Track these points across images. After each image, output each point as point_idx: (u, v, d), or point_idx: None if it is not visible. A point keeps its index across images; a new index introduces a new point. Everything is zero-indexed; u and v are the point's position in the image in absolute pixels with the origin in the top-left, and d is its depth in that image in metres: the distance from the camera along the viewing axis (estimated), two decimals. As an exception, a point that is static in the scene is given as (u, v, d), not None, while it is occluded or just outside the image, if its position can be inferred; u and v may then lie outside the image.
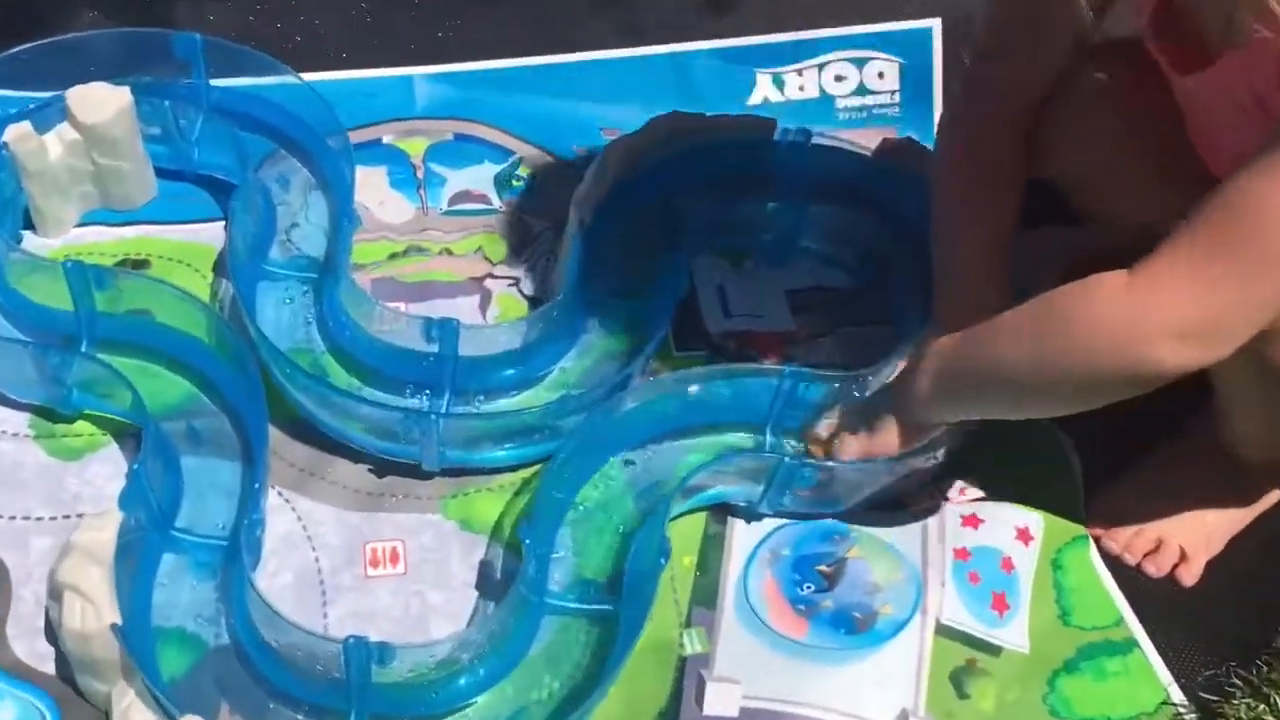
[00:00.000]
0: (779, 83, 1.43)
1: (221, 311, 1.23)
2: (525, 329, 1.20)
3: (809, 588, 1.12)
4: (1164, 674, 1.09)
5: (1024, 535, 1.14)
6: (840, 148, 1.30)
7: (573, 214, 1.24)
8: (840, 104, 1.43)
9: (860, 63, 1.44)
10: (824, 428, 1.14)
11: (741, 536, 1.14)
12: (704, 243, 1.30)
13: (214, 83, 1.32)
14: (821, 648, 1.08)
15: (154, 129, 1.30)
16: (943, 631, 1.09)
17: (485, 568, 1.12)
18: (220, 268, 1.28)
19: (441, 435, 1.13)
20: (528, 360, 1.21)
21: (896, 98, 1.43)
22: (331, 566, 1.12)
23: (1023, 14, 1.08)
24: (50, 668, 1.04)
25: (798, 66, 1.44)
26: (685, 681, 1.06)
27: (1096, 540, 1.15)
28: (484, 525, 1.15)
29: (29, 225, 1.29)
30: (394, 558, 1.13)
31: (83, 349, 1.18)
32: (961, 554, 1.13)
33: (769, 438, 1.18)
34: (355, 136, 1.33)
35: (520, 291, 1.30)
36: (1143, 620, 1.12)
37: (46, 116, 1.24)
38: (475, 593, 1.11)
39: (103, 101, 1.24)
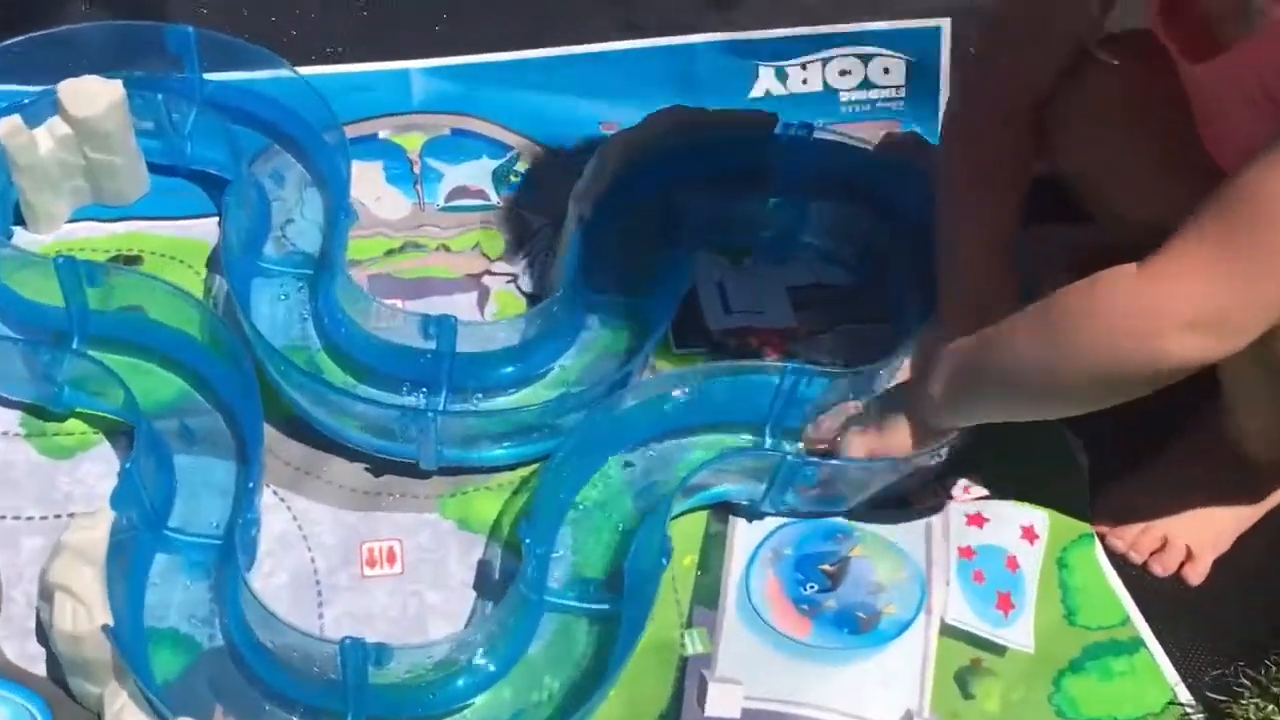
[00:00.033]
0: (781, 76, 1.42)
1: (215, 308, 1.22)
2: (524, 326, 1.19)
3: (812, 587, 1.10)
4: (1171, 674, 1.08)
5: (1029, 534, 1.13)
6: (843, 143, 1.29)
7: (571, 210, 1.22)
8: (844, 98, 1.42)
9: (866, 59, 1.43)
10: (826, 425, 1.13)
11: (743, 535, 1.13)
12: (704, 238, 1.29)
13: (207, 77, 1.31)
14: (825, 648, 1.07)
15: (147, 123, 1.28)
16: (947, 631, 1.08)
17: (484, 567, 1.11)
18: (214, 264, 1.27)
19: (439, 433, 1.11)
20: (527, 357, 1.20)
21: (902, 92, 1.42)
22: (328, 566, 1.10)
23: (1027, 9, 1.07)
24: (41, 669, 1.03)
25: (801, 60, 1.42)
26: (687, 682, 1.05)
27: (1102, 539, 1.15)
28: (482, 525, 1.14)
29: (19, 221, 1.28)
30: (391, 557, 1.11)
31: (74, 346, 1.16)
32: (966, 553, 1.12)
33: (769, 436, 1.17)
34: (351, 131, 1.32)
35: (518, 288, 1.29)
36: (1149, 619, 1.11)
37: (37, 110, 1.23)
38: (473, 593, 1.10)
39: (94, 95, 1.22)
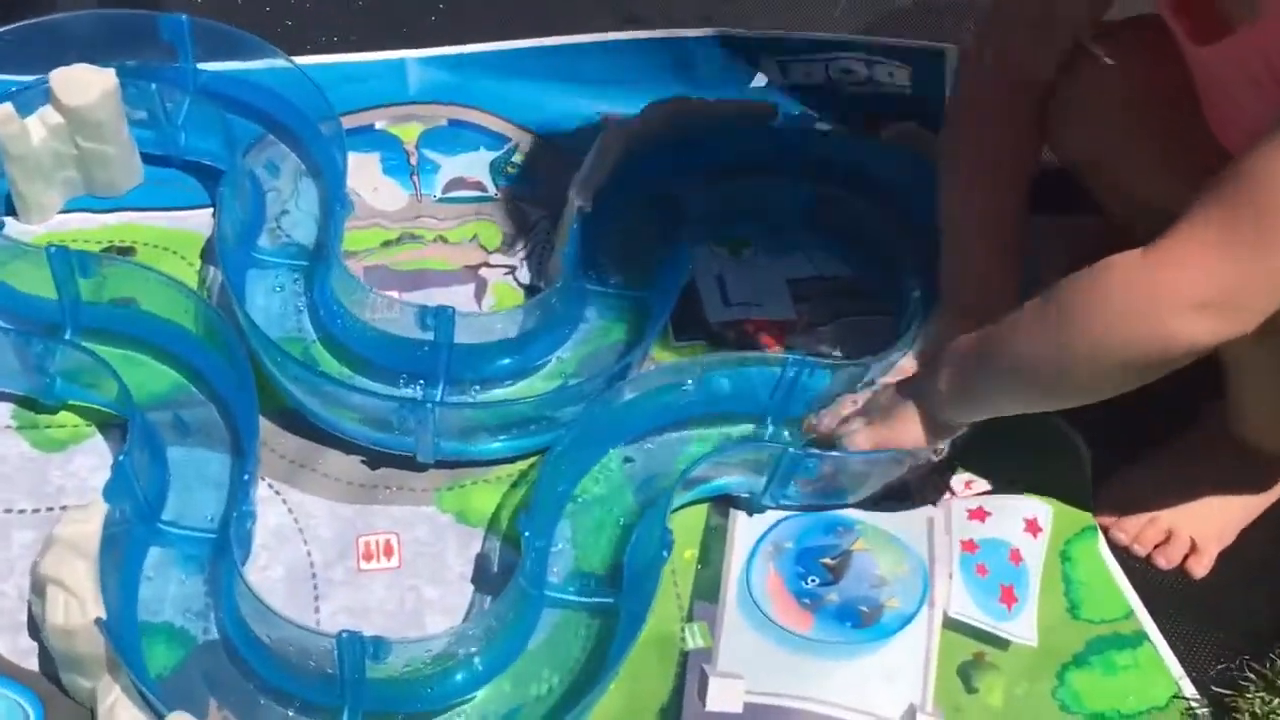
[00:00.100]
0: (783, 69, 1.41)
1: (209, 300, 1.20)
2: (522, 317, 1.18)
3: (813, 581, 1.09)
4: (1175, 667, 1.08)
5: (1032, 527, 1.13)
6: (844, 133, 1.29)
7: (570, 201, 1.21)
8: (846, 89, 1.41)
9: (870, 64, 1.42)
10: (827, 417, 1.12)
11: (744, 529, 1.12)
12: (704, 230, 1.28)
13: (201, 66, 1.30)
14: (827, 642, 1.06)
15: (140, 113, 1.27)
16: (950, 625, 1.07)
17: (482, 561, 1.10)
18: (208, 255, 1.25)
19: (437, 425, 1.10)
20: (525, 349, 1.19)
21: (906, 90, 1.41)
22: (324, 560, 1.09)
23: None
24: (34, 664, 1.02)
25: (805, 58, 1.41)
26: (687, 677, 1.04)
27: (1106, 531, 1.14)
28: (480, 518, 1.12)
29: (11, 211, 1.26)
30: (388, 551, 1.10)
31: (66, 337, 1.15)
32: (969, 546, 1.11)
33: (770, 427, 1.16)
34: (347, 122, 1.31)
35: (516, 280, 1.27)
36: (1153, 613, 1.10)
37: (29, 99, 1.21)
38: (471, 587, 1.09)
39: (87, 84, 1.21)
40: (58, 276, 1.14)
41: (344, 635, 0.95)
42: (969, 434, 1.10)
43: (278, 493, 1.12)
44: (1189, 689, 1.06)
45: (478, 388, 1.18)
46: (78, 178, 1.27)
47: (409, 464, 1.14)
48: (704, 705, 1.03)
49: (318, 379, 1.13)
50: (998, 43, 1.10)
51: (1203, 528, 1.12)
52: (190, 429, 1.13)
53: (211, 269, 1.24)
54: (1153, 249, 0.88)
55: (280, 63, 1.29)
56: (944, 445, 1.10)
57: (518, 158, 1.36)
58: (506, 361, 1.19)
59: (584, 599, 1.07)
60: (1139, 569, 1.13)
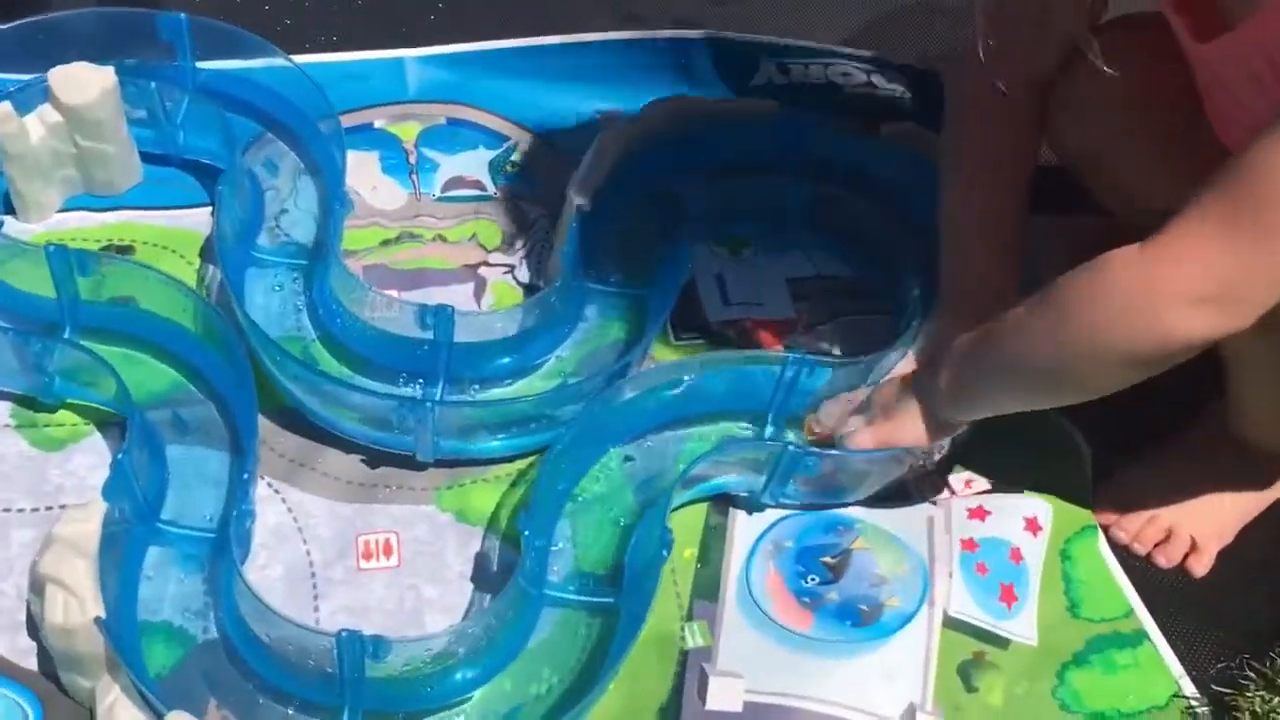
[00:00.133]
0: (783, 69, 1.41)
1: (208, 298, 1.20)
2: (522, 316, 1.18)
3: (813, 580, 1.09)
4: (1175, 666, 1.08)
5: (1032, 526, 1.12)
6: (843, 133, 1.28)
7: (569, 199, 1.21)
8: (846, 90, 1.41)
9: (869, 73, 1.42)
10: (828, 415, 1.12)
11: (743, 528, 1.12)
12: (703, 229, 1.28)
13: (200, 65, 1.30)
14: (827, 641, 1.06)
15: (139, 111, 1.27)
16: (950, 624, 1.07)
17: (481, 560, 1.10)
18: (206, 254, 1.25)
19: (436, 424, 1.10)
20: (524, 348, 1.19)
21: (905, 93, 1.41)
22: (323, 559, 1.09)
23: None
24: (32, 663, 1.01)
25: (804, 61, 1.41)
26: (687, 676, 1.04)
27: (1106, 530, 1.14)
28: (480, 517, 1.12)
29: (9, 210, 1.26)
30: (388, 550, 1.10)
31: (65, 336, 1.15)
32: (969, 545, 1.11)
33: (770, 426, 1.16)
34: (346, 120, 1.31)
35: (515, 279, 1.27)
36: (1153, 612, 1.10)
37: (28, 98, 1.21)
38: (471, 586, 1.09)
39: (86, 83, 1.21)
40: (56, 275, 1.13)
41: (343, 634, 0.95)
42: (969, 433, 1.10)
43: (277, 492, 1.12)
44: (1189, 688, 1.06)
45: (477, 386, 1.18)
46: (76, 176, 1.26)
47: (408, 463, 1.14)
48: (704, 704, 1.02)
49: (317, 378, 1.12)
50: (997, 41, 1.10)
51: (1203, 526, 1.12)
52: (189, 428, 1.13)
53: (210, 268, 1.23)
54: (1150, 244, 0.88)
55: (279, 61, 1.29)
56: (944, 444, 1.10)
57: (517, 156, 1.35)
58: (506, 360, 1.19)
59: (584, 598, 1.06)
60: (1139, 568, 1.13)
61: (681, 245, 1.25)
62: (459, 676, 1.01)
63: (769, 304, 1.27)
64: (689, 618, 1.07)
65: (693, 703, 1.03)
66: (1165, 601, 1.11)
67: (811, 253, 1.30)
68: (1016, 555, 1.11)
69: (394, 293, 1.22)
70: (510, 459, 1.15)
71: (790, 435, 1.15)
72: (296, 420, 1.15)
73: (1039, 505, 1.14)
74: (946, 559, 1.10)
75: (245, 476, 1.07)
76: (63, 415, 1.14)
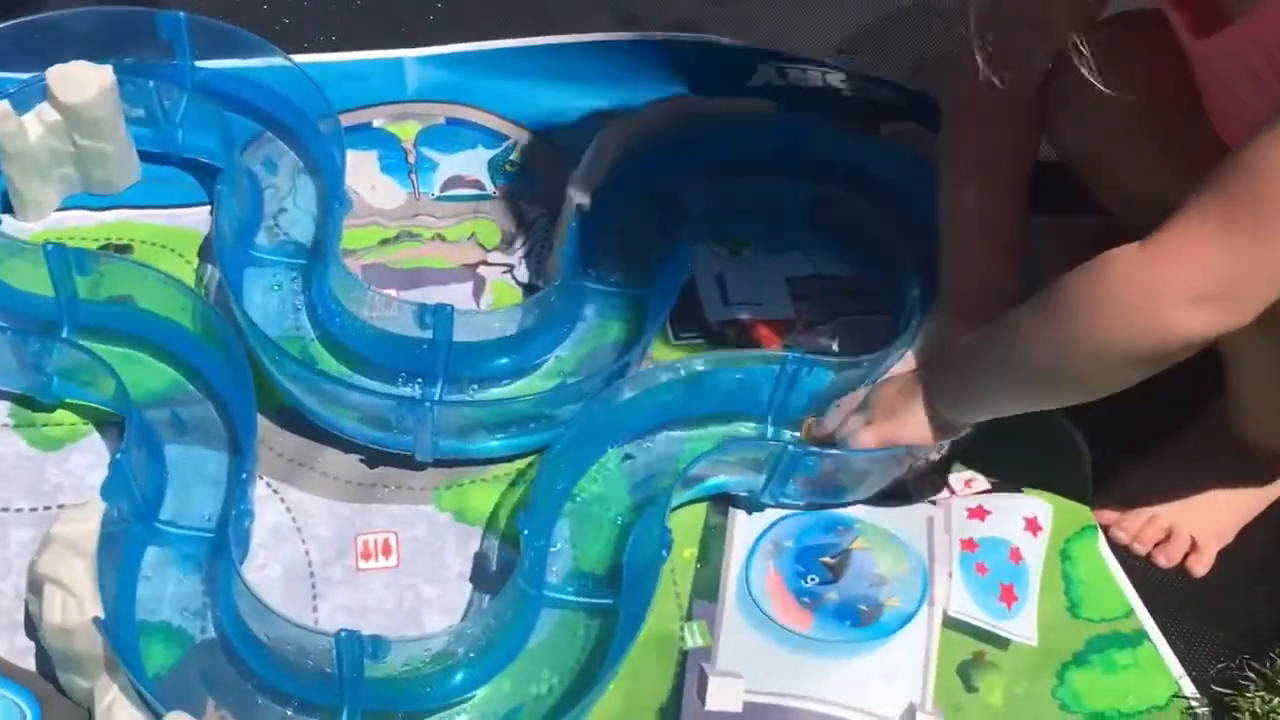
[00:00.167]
0: (781, 69, 1.41)
1: (207, 297, 1.20)
2: (521, 315, 1.18)
3: (813, 580, 1.09)
4: (1175, 666, 1.08)
5: (1032, 526, 1.12)
6: (843, 133, 1.28)
7: (569, 199, 1.21)
8: (844, 91, 1.41)
9: (865, 82, 1.42)
10: (831, 418, 1.12)
11: (743, 528, 1.12)
12: (703, 229, 1.28)
13: (199, 64, 1.30)
14: (826, 641, 1.05)
15: (137, 110, 1.27)
16: (950, 624, 1.07)
17: (480, 560, 1.10)
18: (205, 253, 1.25)
19: (435, 424, 1.10)
20: (523, 347, 1.19)
21: (903, 100, 1.41)
22: (322, 559, 1.09)
23: None
24: (30, 663, 1.01)
25: (802, 65, 1.41)
26: (687, 676, 1.04)
27: (1106, 530, 1.14)
28: (479, 517, 1.12)
29: (7, 209, 1.26)
30: (386, 550, 1.10)
31: (63, 335, 1.15)
32: (968, 545, 1.11)
33: (770, 426, 1.16)
34: (344, 120, 1.31)
35: (514, 278, 1.27)
36: (1153, 612, 1.10)
37: (26, 96, 1.21)
38: (470, 586, 1.08)
39: (85, 81, 1.21)
40: (55, 274, 1.13)
41: (343, 634, 0.95)
42: (969, 432, 1.10)
43: (276, 491, 1.12)
44: (1189, 688, 1.06)
45: (476, 386, 1.17)
46: (75, 175, 1.26)
47: (407, 463, 1.13)
48: (703, 704, 1.02)
49: (316, 377, 1.12)
50: (994, 37, 1.10)
51: (1203, 526, 1.12)
52: (188, 427, 1.13)
53: (209, 267, 1.23)
54: (1150, 242, 0.88)
55: (278, 60, 1.29)
56: (943, 443, 1.10)
57: (515, 156, 1.35)
58: (505, 360, 1.18)
59: (583, 599, 1.06)
60: (1139, 568, 1.13)
61: (681, 245, 1.25)
62: (458, 677, 1.01)
63: (769, 304, 1.26)
64: (688, 618, 1.07)
65: (692, 703, 1.03)
66: (1165, 601, 1.11)
67: (811, 252, 1.30)
68: (1016, 555, 1.11)
69: (393, 292, 1.22)
70: (509, 459, 1.15)
71: (790, 435, 1.15)
72: (295, 420, 1.14)
73: (1039, 505, 1.14)
74: (946, 559, 1.10)
75: (244, 476, 1.06)
76: (61, 415, 1.14)
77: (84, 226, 1.26)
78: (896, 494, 1.13)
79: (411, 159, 1.34)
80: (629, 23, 1.45)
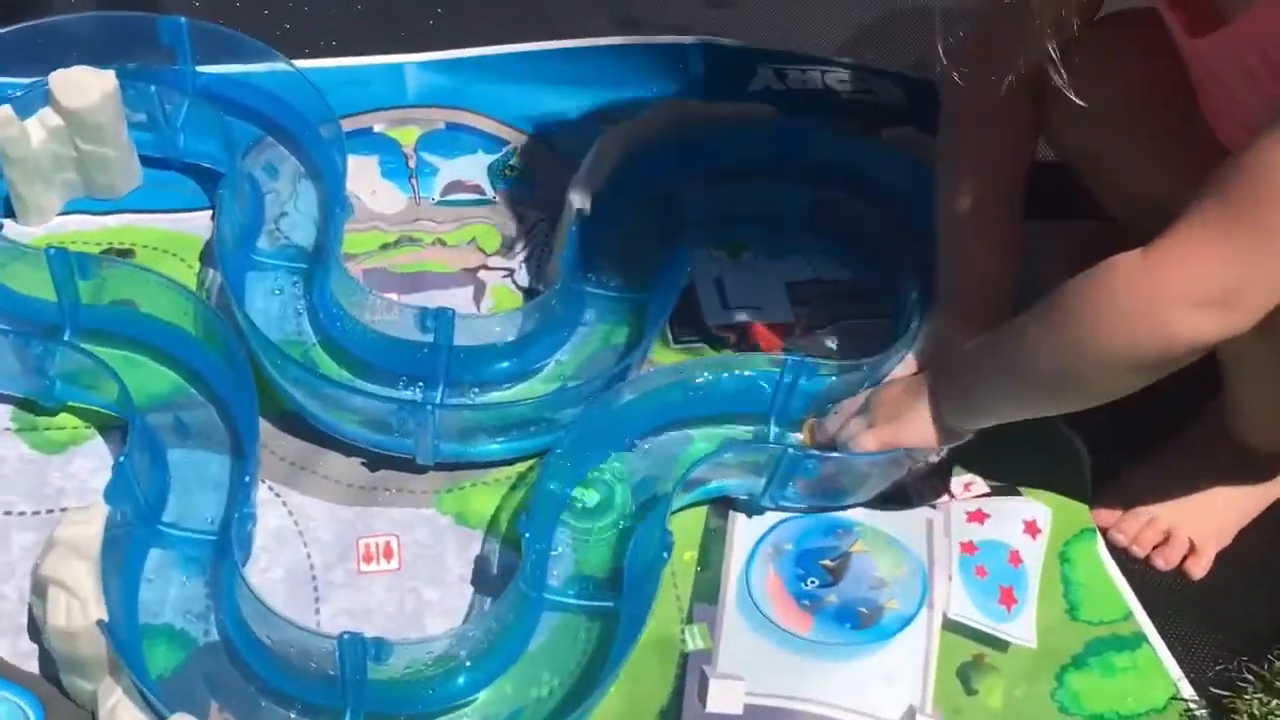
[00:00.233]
0: (780, 73, 1.42)
1: (209, 301, 1.20)
2: (521, 319, 1.18)
3: (813, 583, 1.10)
4: (1173, 669, 1.08)
5: (1031, 528, 1.13)
6: (842, 137, 1.29)
7: (569, 203, 1.22)
8: (844, 95, 1.41)
9: (865, 79, 1.43)
10: (829, 419, 1.12)
11: (743, 531, 1.12)
12: (703, 233, 1.28)
13: (201, 69, 1.30)
14: (826, 643, 1.06)
15: (139, 115, 1.27)
16: (950, 626, 1.07)
17: (481, 563, 1.10)
18: (206, 258, 1.25)
19: (436, 427, 1.10)
20: (524, 351, 1.19)
21: (902, 100, 1.41)
22: (324, 562, 1.09)
23: None
24: (34, 666, 1.01)
25: (801, 67, 1.42)
26: (688, 678, 1.04)
27: (1104, 533, 1.14)
28: (480, 520, 1.12)
29: (9, 213, 1.26)
30: (388, 553, 1.10)
31: (66, 339, 1.15)
32: (968, 548, 1.11)
33: (771, 429, 1.16)
34: (345, 125, 1.31)
35: (514, 283, 1.28)
36: (1151, 614, 1.10)
37: (29, 101, 1.21)
38: (471, 588, 1.09)
39: (87, 86, 1.21)
40: (57, 278, 1.14)
41: (345, 636, 0.95)
42: (970, 436, 1.10)
43: (278, 495, 1.12)
44: (1187, 690, 1.07)
45: (477, 390, 1.18)
46: (77, 180, 1.27)
47: (408, 466, 1.14)
48: (704, 707, 1.03)
49: (317, 381, 1.13)
50: (993, 36, 1.11)
51: (1201, 528, 1.12)
52: (190, 431, 1.13)
53: (211, 271, 1.24)
54: (1152, 248, 0.89)
55: (279, 65, 1.29)
56: (944, 448, 1.10)
57: (515, 161, 1.36)
58: (506, 364, 1.19)
59: (584, 602, 1.07)
60: (1138, 570, 1.13)
61: (681, 249, 1.25)
62: (460, 679, 1.01)
63: (768, 307, 1.27)
64: (689, 620, 1.07)
65: (693, 705, 1.03)
66: (1164, 604, 1.11)
67: (811, 256, 1.30)
68: (1015, 558, 1.11)
69: (394, 296, 1.23)
70: (510, 462, 1.15)
71: (790, 438, 1.15)
72: (297, 423, 1.15)
73: (1038, 508, 1.14)
74: (946, 562, 1.10)
75: (246, 479, 1.07)
76: (63, 418, 1.14)
77: (86, 231, 1.26)
78: (896, 497, 1.14)
79: (412, 164, 1.35)
80: (628, 25, 1.45)
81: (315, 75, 1.31)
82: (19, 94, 1.22)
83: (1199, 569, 1.12)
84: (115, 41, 1.27)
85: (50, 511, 1.09)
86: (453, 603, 1.08)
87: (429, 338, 1.16)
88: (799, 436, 1.15)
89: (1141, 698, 1.06)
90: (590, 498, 1.12)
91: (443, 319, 1.15)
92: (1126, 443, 1.16)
